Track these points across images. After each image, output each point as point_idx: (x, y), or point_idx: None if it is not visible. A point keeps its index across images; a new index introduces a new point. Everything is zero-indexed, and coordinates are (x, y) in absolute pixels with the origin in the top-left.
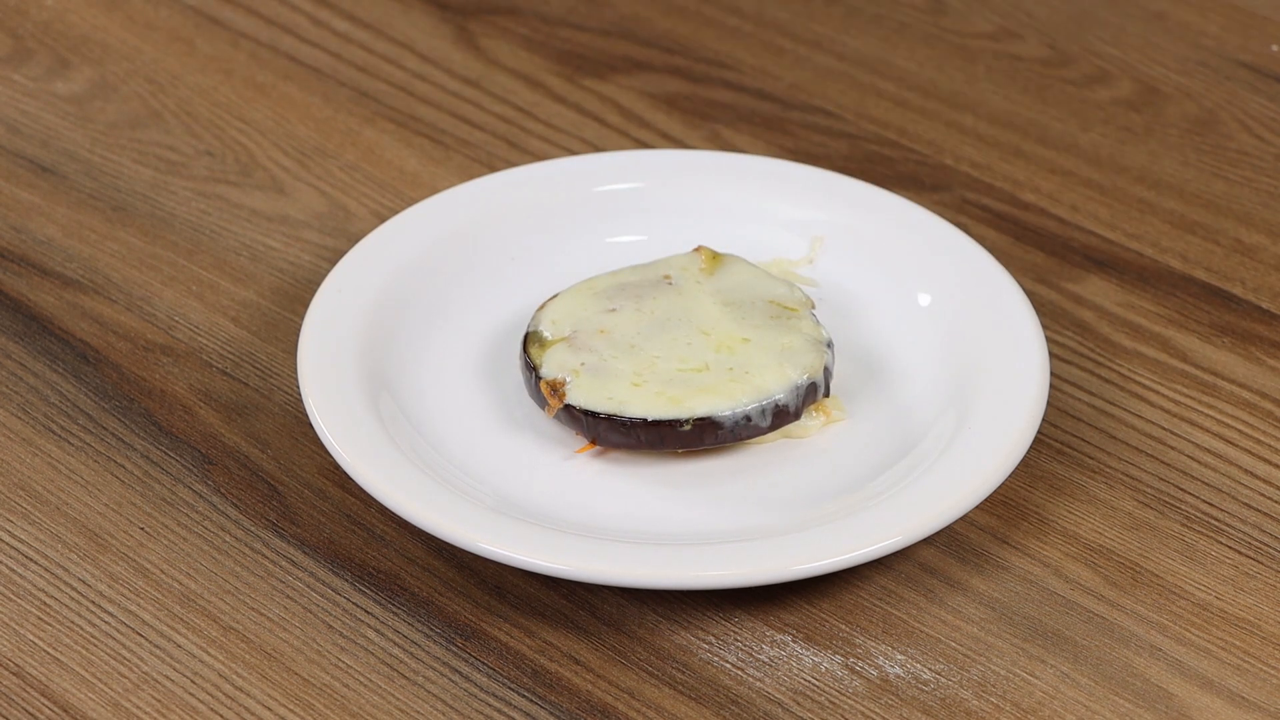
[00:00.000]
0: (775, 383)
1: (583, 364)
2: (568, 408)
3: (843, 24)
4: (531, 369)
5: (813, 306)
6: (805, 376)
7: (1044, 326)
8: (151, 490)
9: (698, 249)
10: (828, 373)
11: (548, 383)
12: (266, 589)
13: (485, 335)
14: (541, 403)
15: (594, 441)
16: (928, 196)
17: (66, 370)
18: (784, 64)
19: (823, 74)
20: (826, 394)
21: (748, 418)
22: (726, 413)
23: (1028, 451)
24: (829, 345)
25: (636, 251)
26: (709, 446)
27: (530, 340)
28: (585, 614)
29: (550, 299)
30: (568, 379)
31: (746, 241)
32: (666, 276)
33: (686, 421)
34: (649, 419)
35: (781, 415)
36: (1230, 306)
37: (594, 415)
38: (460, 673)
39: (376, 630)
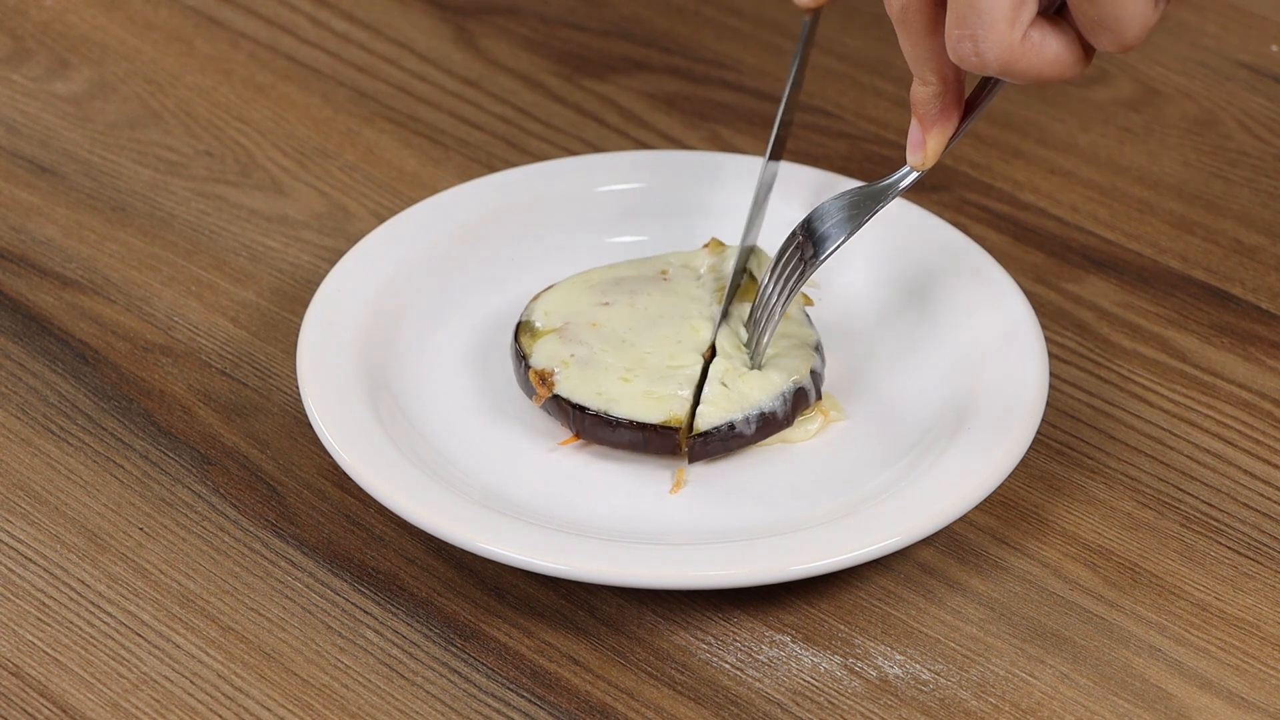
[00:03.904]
0: (760, 391)
1: (572, 355)
2: (555, 398)
3: (842, 24)
4: (521, 358)
5: (809, 304)
6: (791, 382)
7: (1043, 327)
8: (150, 490)
9: (709, 243)
10: (816, 376)
11: (537, 372)
12: (265, 589)
13: (484, 336)
14: (530, 392)
15: (578, 435)
16: (927, 197)
17: (65, 370)
18: (784, 64)
19: (823, 74)
20: (818, 397)
21: (733, 427)
22: (715, 424)
23: (1027, 452)
24: (817, 348)
25: (636, 252)
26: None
27: (522, 330)
28: (584, 614)
29: (545, 290)
30: (557, 370)
31: None
32: (663, 272)
33: (672, 429)
34: (634, 421)
35: (769, 423)
36: (1229, 307)
37: (581, 410)
38: (459, 673)
39: (375, 630)
